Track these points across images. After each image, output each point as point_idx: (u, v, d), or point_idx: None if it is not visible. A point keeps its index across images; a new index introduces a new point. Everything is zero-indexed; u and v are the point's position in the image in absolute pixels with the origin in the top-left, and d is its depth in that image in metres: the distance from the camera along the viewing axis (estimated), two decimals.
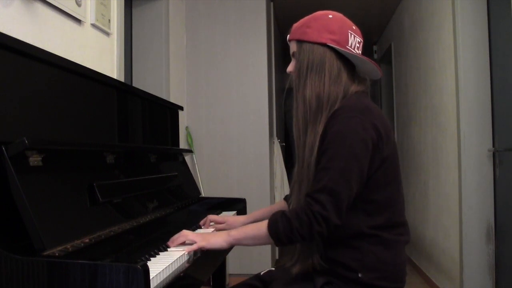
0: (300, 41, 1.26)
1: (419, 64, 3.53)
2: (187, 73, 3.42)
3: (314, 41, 1.23)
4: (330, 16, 1.26)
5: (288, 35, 1.31)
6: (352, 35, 1.25)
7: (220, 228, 1.55)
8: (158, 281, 1.00)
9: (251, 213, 1.59)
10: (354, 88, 1.24)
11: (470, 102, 2.57)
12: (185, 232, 1.26)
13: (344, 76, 1.24)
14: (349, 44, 1.24)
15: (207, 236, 1.24)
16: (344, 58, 1.24)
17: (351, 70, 1.27)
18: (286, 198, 1.56)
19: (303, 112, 1.23)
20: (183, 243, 1.24)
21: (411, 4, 3.73)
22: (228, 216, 1.61)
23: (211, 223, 1.59)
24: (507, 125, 2.37)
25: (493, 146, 2.52)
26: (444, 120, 2.92)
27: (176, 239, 1.25)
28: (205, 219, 1.59)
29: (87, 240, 1.07)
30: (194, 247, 1.20)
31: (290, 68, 1.31)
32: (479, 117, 2.56)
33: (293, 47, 1.29)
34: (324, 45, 1.22)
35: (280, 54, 4.74)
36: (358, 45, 1.26)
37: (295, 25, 1.30)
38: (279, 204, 1.57)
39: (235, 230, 1.24)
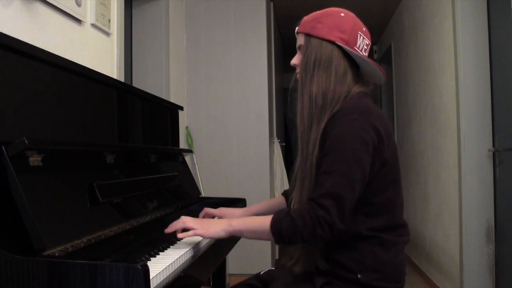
0: (308, 35, 1.25)
1: (419, 64, 3.53)
2: (187, 73, 3.42)
3: (323, 37, 1.23)
4: (343, 14, 1.25)
5: (297, 27, 1.30)
6: (362, 37, 1.25)
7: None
8: (158, 281, 1.00)
9: (249, 207, 1.58)
10: (356, 88, 1.24)
11: (470, 102, 2.57)
12: (184, 218, 1.24)
13: (349, 76, 1.24)
14: (357, 45, 1.24)
15: (206, 224, 1.22)
16: (350, 59, 1.24)
17: (356, 71, 1.26)
18: (285, 194, 1.56)
19: (308, 108, 1.22)
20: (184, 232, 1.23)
21: (411, 4, 3.73)
22: (225, 208, 1.59)
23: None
24: (507, 125, 2.37)
25: (493, 146, 2.51)
26: (444, 120, 2.92)
27: (174, 225, 1.24)
28: (202, 212, 1.58)
29: (87, 240, 1.07)
30: (190, 233, 1.18)
31: (295, 60, 1.30)
32: (479, 117, 2.56)
33: (300, 40, 1.28)
34: (333, 43, 1.22)
35: (280, 54, 4.74)
36: (366, 47, 1.26)
37: (306, 18, 1.29)
38: (278, 199, 1.56)
39: (236, 220, 1.22)
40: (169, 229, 1.24)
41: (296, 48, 1.30)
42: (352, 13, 1.28)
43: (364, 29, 1.27)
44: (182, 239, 1.29)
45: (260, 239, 1.22)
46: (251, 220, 1.23)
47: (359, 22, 1.27)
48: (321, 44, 1.23)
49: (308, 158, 1.20)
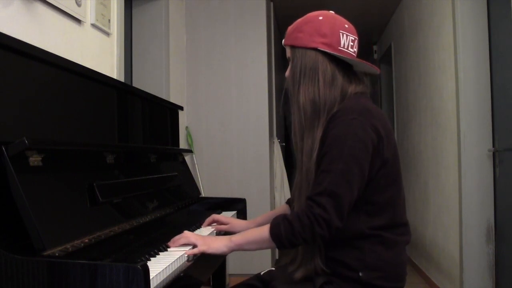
0: (293, 47, 1.26)
1: (419, 64, 3.53)
2: (187, 73, 3.42)
3: (306, 46, 1.23)
4: (321, 18, 1.24)
5: (283, 40, 1.31)
6: (344, 35, 1.23)
7: (223, 229, 1.54)
8: (158, 281, 1.00)
9: (255, 218, 1.58)
10: (352, 89, 1.23)
11: (470, 102, 2.57)
12: (187, 234, 1.25)
13: (340, 78, 1.23)
14: (342, 45, 1.22)
15: (208, 240, 1.23)
16: (338, 60, 1.23)
17: (347, 71, 1.25)
18: (289, 202, 1.56)
19: (298, 118, 1.23)
20: (184, 245, 1.24)
21: (411, 4, 3.73)
22: (233, 218, 1.61)
23: (214, 224, 1.59)
24: (507, 125, 2.37)
25: (493, 146, 2.51)
26: (444, 120, 2.92)
27: (177, 240, 1.24)
28: (209, 218, 1.59)
29: (87, 240, 1.07)
30: (195, 251, 1.20)
31: (286, 73, 1.31)
32: (479, 117, 2.56)
33: (288, 52, 1.29)
34: (316, 49, 1.22)
35: (280, 54, 4.74)
36: (351, 43, 1.25)
37: (289, 29, 1.29)
38: (282, 208, 1.57)
39: (237, 235, 1.24)
40: (172, 244, 1.25)
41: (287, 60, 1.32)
42: (331, 12, 1.27)
43: (346, 25, 1.25)
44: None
45: (262, 248, 1.23)
46: (250, 232, 1.24)
47: (339, 21, 1.25)
48: (305, 53, 1.23)
49: (303, 168, 1.21)
